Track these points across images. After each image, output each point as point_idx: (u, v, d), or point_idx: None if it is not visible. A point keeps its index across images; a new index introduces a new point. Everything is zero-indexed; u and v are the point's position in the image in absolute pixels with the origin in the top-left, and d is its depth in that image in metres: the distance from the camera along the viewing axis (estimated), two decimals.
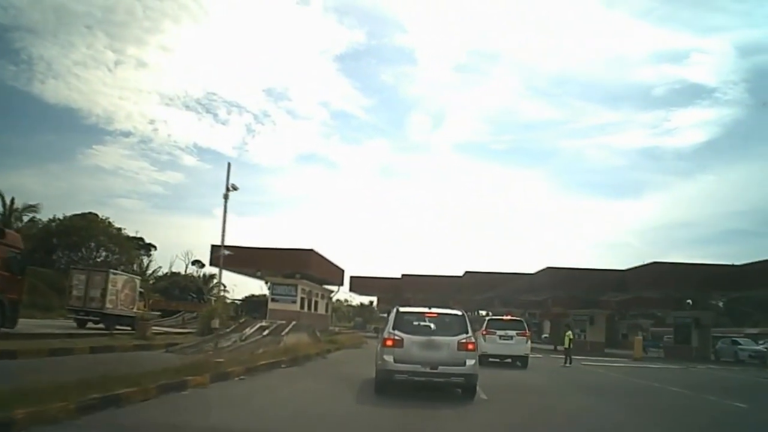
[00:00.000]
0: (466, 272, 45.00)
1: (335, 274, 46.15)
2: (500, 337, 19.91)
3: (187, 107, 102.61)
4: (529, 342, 20.31)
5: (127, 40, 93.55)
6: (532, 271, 41.55)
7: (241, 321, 25.00)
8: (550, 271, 38.34)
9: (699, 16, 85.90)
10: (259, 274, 40.68)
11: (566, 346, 22.44)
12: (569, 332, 23.07)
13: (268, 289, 42.07)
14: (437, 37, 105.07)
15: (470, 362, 10.05)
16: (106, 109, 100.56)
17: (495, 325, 20.31)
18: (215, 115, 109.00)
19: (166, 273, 63.76)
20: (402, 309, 11.07)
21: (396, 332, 10.22)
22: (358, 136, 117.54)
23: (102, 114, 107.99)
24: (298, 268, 37.75)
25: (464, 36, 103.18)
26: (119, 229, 55.30)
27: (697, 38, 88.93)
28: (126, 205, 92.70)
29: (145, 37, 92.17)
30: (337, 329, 58.89)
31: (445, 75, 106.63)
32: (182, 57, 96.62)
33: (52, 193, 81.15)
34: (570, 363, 22.22)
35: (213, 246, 41.00)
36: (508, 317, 21.22)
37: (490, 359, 20.18)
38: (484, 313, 67.79)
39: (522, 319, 21.14)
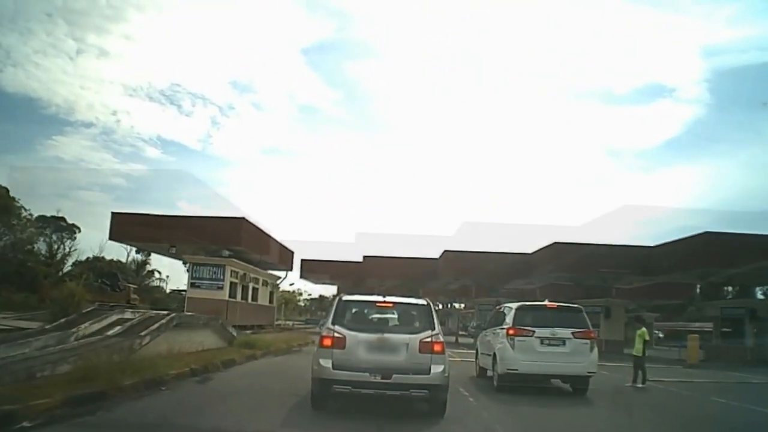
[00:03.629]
0: (445, 252, 35.63)
1: (281, 256, 36.63)
2: (543, 340, 10.55)
3: (151, 98, 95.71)
4: (596, 350, 10.99)
5: (88, 29, 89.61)
6: (530, 251, 32.49)
7: (85, 311, 15.02)
8: (557, 249, 29.21)
9: (661, 16, 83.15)
10: (173, 250, 30.95)
11: (640, 353, 13.14)
12: (643, 330, 13.75)
13: (187, 271, 32.36)
14: (403, 31, 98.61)
15: (437, 369, 7.65)
16: (67, 99, 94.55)
17: (532, 317, 10.91)
18: (179, 107, 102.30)
19: (87, 258, 52.43)
20: (346, 297, 8.77)
21: (336, 328, 7.89)
22: (323, 128, 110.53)
23: (62, 104, 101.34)
24: (225, 243, 28.66)
25: (428, 31, 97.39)
26: (13, 198, 44.70)
27: (659, 37, 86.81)
28: (87, 197, 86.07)
29: (108, 25, 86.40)
30: (291, 324, 50.72)
31: (409, 68, 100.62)
32: (146, 47, 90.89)
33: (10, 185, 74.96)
34: (644, 382, 13.01)
35: (113, 213, 31.15)
36: (555, 304, 11.76)
37: (517, 380, 10.83)
38: (458, 305, 59.68)
39: (580, 307, 11.73)
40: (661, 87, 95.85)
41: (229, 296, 28.60)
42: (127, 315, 14.78)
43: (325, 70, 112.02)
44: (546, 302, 12.01)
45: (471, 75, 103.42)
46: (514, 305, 11.56)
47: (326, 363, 7.64)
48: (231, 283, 28.96)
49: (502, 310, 12.34)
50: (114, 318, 14.33)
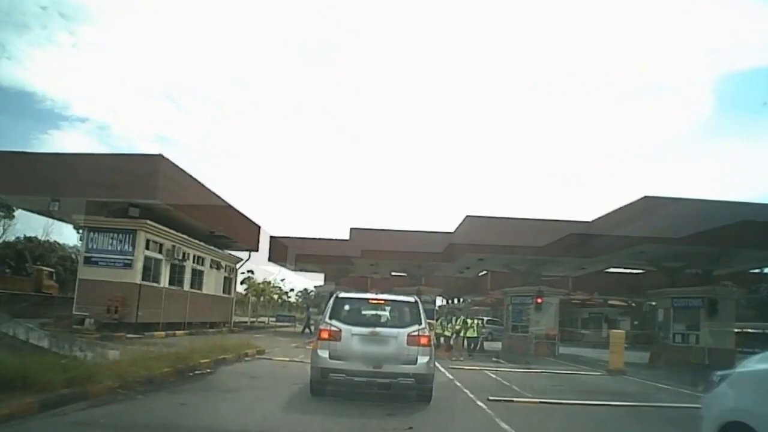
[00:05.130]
0: (450, 245, 32.82)
1: (239, 228, 30.51)
2: None
3: (147, 94, 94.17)
4: None
5: (85, 23, 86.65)
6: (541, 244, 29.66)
7: None
8: (573, 240, 26.32)
9: (665, 17, 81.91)
10: (54, 206, 21.12)
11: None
12: None
13: (80, 239, 24.41)
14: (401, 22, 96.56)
15: (423, 360, 8.55)
16: (63, 93, 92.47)
17: None
18: (178, 104, 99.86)
19: (18, 238, 43.97)
20: (341, 295, 9.67)
21: (333, 323, 8.83)
22: (317, 125, 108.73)
23: (58, 98, 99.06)
24: (132, 194, 20.52)
25: (430, 22, 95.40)
26: None
27: (663, 39, 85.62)
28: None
29: (105, 20, 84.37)
30: (268, 320, 46.57)
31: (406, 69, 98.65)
32: (143, 41, 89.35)
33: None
34: None
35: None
36: None
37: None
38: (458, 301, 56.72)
39: None
40: (668, 86, 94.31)
41: (144, 279, 21.04)
42: None
43: (325, 65, 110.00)
44: None
45: (478, 69, 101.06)
46: None
47: (324, 353, 8.52)
48: (148, 258, 21.42)
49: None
50: None
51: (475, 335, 22.88)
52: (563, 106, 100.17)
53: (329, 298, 9.77)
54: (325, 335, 8.75)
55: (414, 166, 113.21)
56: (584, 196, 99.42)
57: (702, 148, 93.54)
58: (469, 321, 23.10)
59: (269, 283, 63.42)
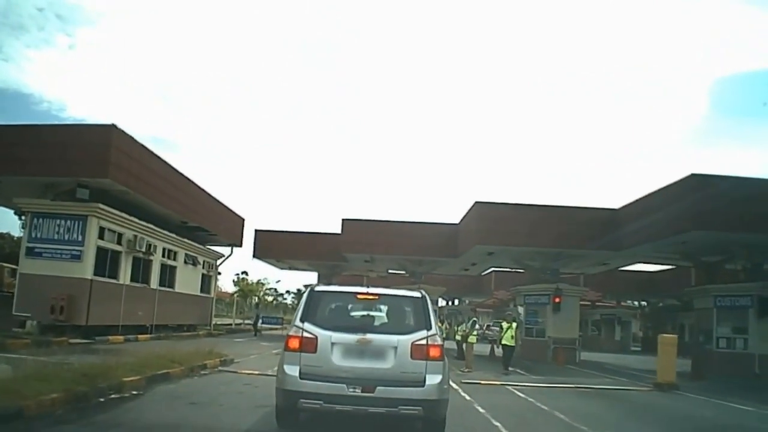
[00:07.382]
0: (456, 237, 29.49)
1: (218, 219, 27.58)
2: None
3: (143, 94, 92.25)
4: None
5: (82, 24, 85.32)
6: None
7: None
8: (598, 230, 23.10)
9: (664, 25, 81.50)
10: None
11: None
12: None
13: (23, 227, 19.72)
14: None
15: (433, 380, 5.93)
16: (59, 94, 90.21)
17: None
18: (174, 104, 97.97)
19: None
20: (318, 288, 6.94)
21: (306, 327, 6.19)
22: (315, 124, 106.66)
23: (55, 100, 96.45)
24: (83, 169, 17.30)
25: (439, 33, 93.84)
26: None
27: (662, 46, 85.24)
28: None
29: (102, 21, 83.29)
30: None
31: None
32: (139, 42, 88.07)
33: None
34: None
35: None
36: None
37: None
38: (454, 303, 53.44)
39: None
40: (661, 90, 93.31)
41: (97, 273, 17.70)
42: None
43: (325, 65, 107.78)
44: None
45: (478, 70, 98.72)
46: None
47: (292, 371, 5.99)
48: (102, 249, 18.02)
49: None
50: None
51: (512, 343, 17.01)
52: (563, 105, 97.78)
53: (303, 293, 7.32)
54: (294, 344, 6.14)
55: (412, 165, 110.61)
56: (583, 197, 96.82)
57: (701, 148, 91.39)
58: (504, 324, 17.94)
59: (261, 283, 60.18)
